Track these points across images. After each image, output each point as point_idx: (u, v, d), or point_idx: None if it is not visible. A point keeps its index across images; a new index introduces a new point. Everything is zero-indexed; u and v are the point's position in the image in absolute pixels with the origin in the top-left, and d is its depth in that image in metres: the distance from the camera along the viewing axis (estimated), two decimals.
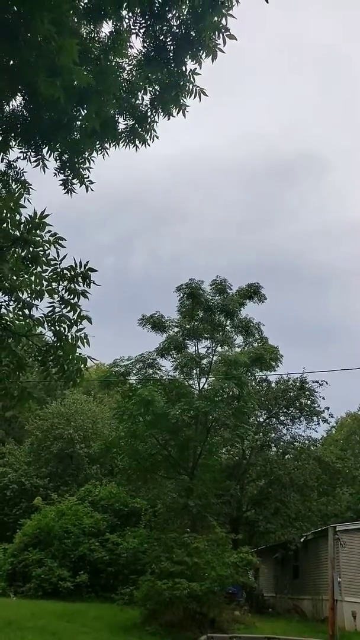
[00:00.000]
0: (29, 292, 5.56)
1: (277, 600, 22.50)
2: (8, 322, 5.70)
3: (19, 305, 5.63)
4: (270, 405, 23.55)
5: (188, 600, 12.88)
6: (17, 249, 5.41)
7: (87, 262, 5.39)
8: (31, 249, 5.39)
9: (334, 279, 65.54)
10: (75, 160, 5.81)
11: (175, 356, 18.07)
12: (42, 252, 5.48)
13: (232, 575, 13.82)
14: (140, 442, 17.17)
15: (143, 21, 5.26)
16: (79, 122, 5.57)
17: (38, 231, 5.43)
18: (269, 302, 18.33)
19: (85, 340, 5.46)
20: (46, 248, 5.44)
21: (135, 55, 5.59)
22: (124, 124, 5.98)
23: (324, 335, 61.25)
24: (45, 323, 5.56)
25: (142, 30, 5.25)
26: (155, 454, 17.29)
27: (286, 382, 23.58)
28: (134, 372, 17.74)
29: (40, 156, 5.78)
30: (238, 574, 14.21)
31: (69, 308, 5.36)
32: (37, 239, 5.39)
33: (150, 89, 5.55)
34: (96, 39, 5.66)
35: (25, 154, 5.82)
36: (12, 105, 5.58)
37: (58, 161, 5.82)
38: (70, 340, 5.49)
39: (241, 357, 16.77)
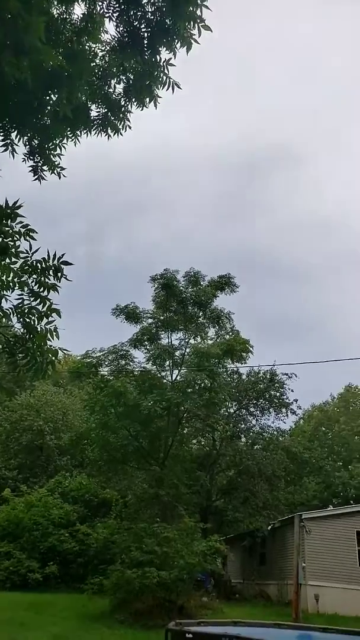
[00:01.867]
0: None
1: (245, 586, 22.97)
2: None
3: None
4: (240, 397, 23.84)
5: (157, 589, 13.01)
6: None
7: (63, 255, 5.28)
8: (1, 240, 5.26)
9: (307, 273, 66.45)
10: (46, 146, 5.67)
11: (148, 347, 18.06)
12: (12, 244, 5.35)
13: (201, 563, 14.02)
14: (112, 433, 17.13)
15: (117, 5, 5.15)
16: (49, 107, 5.44)
17: (9, 221, 5.30)
18: (243, 295, 18.47)
19: (55, 333, 5.38)
20: (16, 239, 5.32)
21: (109, 41, 5.49)
22: (97, 112, 5.87)
23: (297, 329, 62.19)
24: (14, 315, 5.45)
25: (115, 15, 5.15)
26: (127, 445, 17.28)
27: (256, 374, 23.90)
28: (106, 363, 17.66)
29: (9, 140, 5.62)
30: (206, 562, 14.43)
31: (38, 300, 5.27)
32: (7, 229, 5.26)
33: (124, 77, 5.46)
34: (68, 20, 5.52)
35: None
36: None
37: (27, 146, 5.67)
38: (40, 332, 5.41)
39: (213, 349, 16.90)
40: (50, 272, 5.31)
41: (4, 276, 5.39)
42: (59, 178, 5.73)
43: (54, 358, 5.32)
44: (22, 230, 5.25)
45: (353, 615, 15.56)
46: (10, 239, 5.33)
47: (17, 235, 5.29)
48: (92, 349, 17.66)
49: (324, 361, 17.71)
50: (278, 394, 23.61)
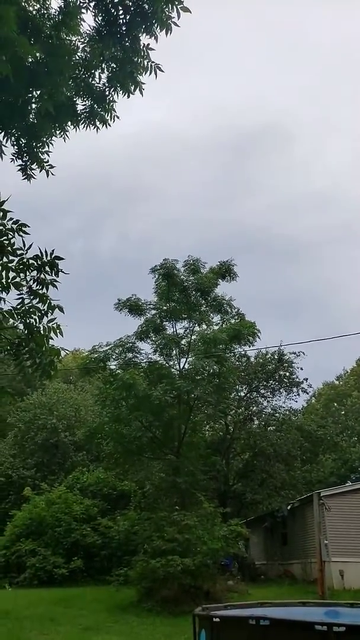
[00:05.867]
0: None
1: (269, 567, 23.18)
2: None
3: None
4: (250, 380, 23.87)
5: (182, 576, 13.13)
6: None
7: (53, 251, 5.23)
8: None
9: (303, 251, 66.10)
10: (33, 144, 5.62)
11: (154, 339, 18.05)
12: (6, 242, 5.30)
13: (223, 547, 14.14)
14: (125, 425, 17.20)
15: None
16: (34, 105, 5.37)
17: None
18: (241, 277, 18.30)
19: (58, 330, 5.35)
20: (10, 236, 5.26)
21: (88, 31, 5.40)
22: (83, 105, 5.80)
23: (298, 307, 62.08)
24: (17, 316, 5.42)
25: (92, 4, 5.06)
26: (141, 436, 17.35)
27: (264, 356, 23.90)
28: (114, 357, 17.68)
29: None
30: (229, 546, 14.55)
31: (38, 299, 5.23)
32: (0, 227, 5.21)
33: (106, 67, 5.37)
34: (46, 15, 5.43)
35: None
36: None
37: (15, 146, 5.62)
38: (42, 332, 5.37)
39: (219, 335, 16.84)
40: (47, 268, 5.26)
41: (3, 275, 5.33)
42: (47, 176, 5.67)
43: (55, 357, 5.28)
44: (14, 226, 5.18)
45: None
46: (4, 237, 5.25)
47: (11, 233, 5.22)
48: (98, 344, 17.71)
49: (329, 338, 17.65)
50: (287, 373, 23.62)
